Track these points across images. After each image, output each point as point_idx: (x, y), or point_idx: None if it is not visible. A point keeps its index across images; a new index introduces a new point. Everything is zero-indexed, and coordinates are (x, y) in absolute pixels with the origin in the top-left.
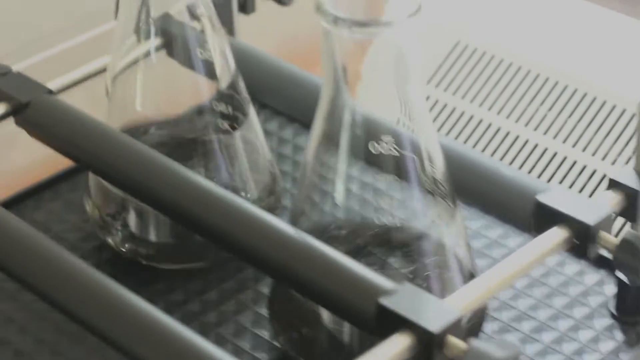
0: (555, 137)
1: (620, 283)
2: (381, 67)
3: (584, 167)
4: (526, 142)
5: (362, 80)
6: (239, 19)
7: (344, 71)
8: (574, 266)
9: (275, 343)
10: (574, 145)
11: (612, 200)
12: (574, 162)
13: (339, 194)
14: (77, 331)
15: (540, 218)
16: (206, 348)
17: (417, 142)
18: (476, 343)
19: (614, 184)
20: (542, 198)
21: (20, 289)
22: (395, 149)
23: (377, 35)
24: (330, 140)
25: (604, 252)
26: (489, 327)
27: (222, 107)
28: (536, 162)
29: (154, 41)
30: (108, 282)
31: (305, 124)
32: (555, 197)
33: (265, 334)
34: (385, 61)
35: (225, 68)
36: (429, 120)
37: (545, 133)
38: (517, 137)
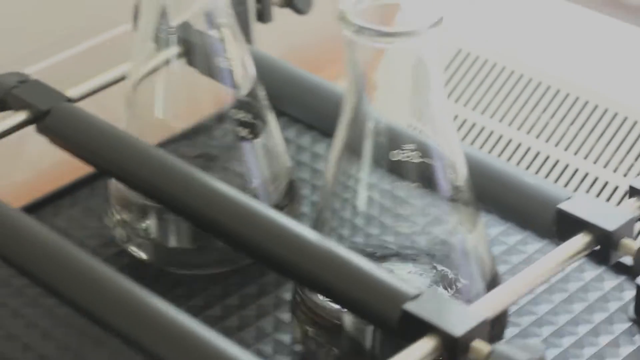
0: (557, 144)
1: (639, 288)
2: (401, 76)
3: (586, 174)
4: (528, 149)
5: (379, 88)
6: (256, 27)
7: (366, 80)
8: (593, 272)
9: (296, 348)
10: (573, 151)
11: (632, 207)
12: (574, 167)
13: (361, 201)
14: (100, 335)
15: (562, 225)
16: (231, 350)
17: (439, 150)
18: (500, 347)
19: (635, 192)
20: (564, 206)
21: (42, 294)
22: (418, 156)
23: (400, 44)
24: (352, 148)
25: (624, 259)
26: (509, 331)
27: (241, 115)
28: (538, 170)
29: (174, 50)
30: (132, 285)
31: (323, 132)
32: (577, 204)
33: (286, 339)
34: (405, 70)
35: (245, 76)
36: (452, 128)
37: (547, 141)
38: (519, 145)
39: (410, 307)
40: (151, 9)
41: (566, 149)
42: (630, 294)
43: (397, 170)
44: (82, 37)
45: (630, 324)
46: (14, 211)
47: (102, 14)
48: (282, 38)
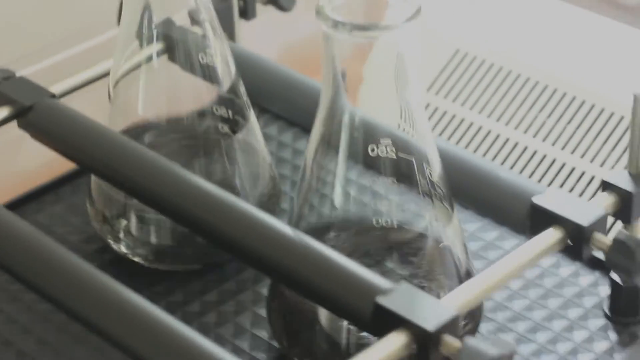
0: (554, 143)
1: (613, 284)
2: (381, 71)
3: (583, 173)
4: (525, 148)
5: (364, 83)
6: (240, 24)
7: (343, 75)
8: (568, 268)
9: (274, 343)
10: (572, 152)
11: (605, 202)
12: (573, 169)
13: (338, 196)
14: (80, 332)
15: (536, 220)
16: (208, 347)
17: (415, 145)
18: (471, 341)
19: (607, 186)
20: (537, 200)
21: (22, 290)
22: (393, 151)
23: (377, 39)
24: (329, 143)
25: (599, 255)
26: (484, 327)
27: (222, 111)
28: (535, 169)
29: (156, 46)
30: (111, 282)
31: (305, 129)
32: (550, 199)
33: (264, 334)
34: (384, 65)
35: (226, 72)
36: (427, 123)
37: (544, 140)
38: (516, 144)
39: (383, 301)
40: (134, 6)
41: (563, 148)
42: (605, 289)
43: (373, 165)
44: (72, 42)
45: (605, 320)
46: None
47: (95, 18)
48: (271, 36)
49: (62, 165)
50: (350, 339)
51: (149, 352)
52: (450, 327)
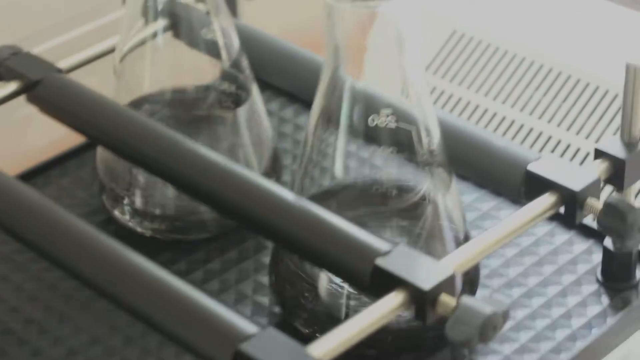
0: (549, 121)
1: (606, 251)
2: (382, 42)
3: (578, 150)
4: (521, 126)
5: (367, 55)
6: (242, 3)
7: (345, 46)
8: (562, 236)
9: (275, 309)
10: (567, 129)
11: (598, 169)
12: (568, 145)
13: (339, 163)
14: (87, 299)
15: (530, 186)
16: (214, 307)
17: (415, 115)
18: (466, 300)
19: (600, 154)
20: (532, 167)
21: (32, 259)
22: (393, 121)
23: (378, 9)
24: (330, 114)
25: (592, 223)
26: (480, 293)
27: (225, 86)
28: (532, 145)
29: (161, 23)
30: (119, 247)
31: (307, 104)
32: (544, 165)
33: (265, 300)
34: (386, 36)
35: (230, 48)
36: (427, 93)
37: (539, 117)
38: (512, 122)
39: (381, 262)
40: None
41: (558, 125)
42: (598, 257)
43: (374, 135)
44: (81, 20)
45: (597, 285)
46: (7, 178)
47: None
48: (278, 16)
49: (69, 141)
50: (350, 303)
51: (157, 313)
52: (447, 286)
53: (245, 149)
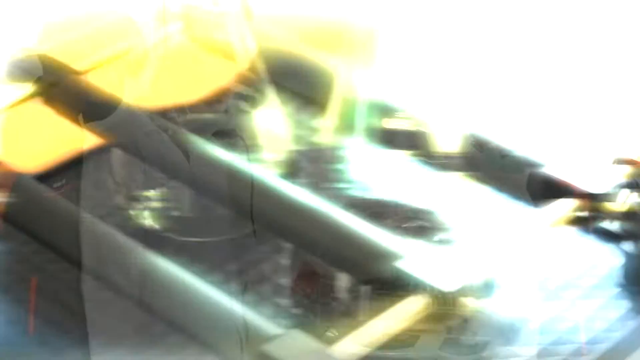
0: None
1: (626, 255)
2: None
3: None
4: None
5: None
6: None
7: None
8: (583, 239)
9: (294, 311)
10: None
11: (620, 173)
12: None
13: (354, 170)
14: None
15: (549, 190)
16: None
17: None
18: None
19: (620, 159)
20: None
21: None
22: (411, 125)
23: None
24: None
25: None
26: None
27: (242, 88)
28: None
29: (175, 26)
30: (139, 249)
31: (322, 107)
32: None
33: (284, 302)
34: None
35: (245, 51)
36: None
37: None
38: None
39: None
40: None
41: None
42: (619, 260)
43: (389, 138)
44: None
45: (618, 288)
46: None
47: None
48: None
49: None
50: (370, 304)
51: (180, 314)
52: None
53: (260, 150)
